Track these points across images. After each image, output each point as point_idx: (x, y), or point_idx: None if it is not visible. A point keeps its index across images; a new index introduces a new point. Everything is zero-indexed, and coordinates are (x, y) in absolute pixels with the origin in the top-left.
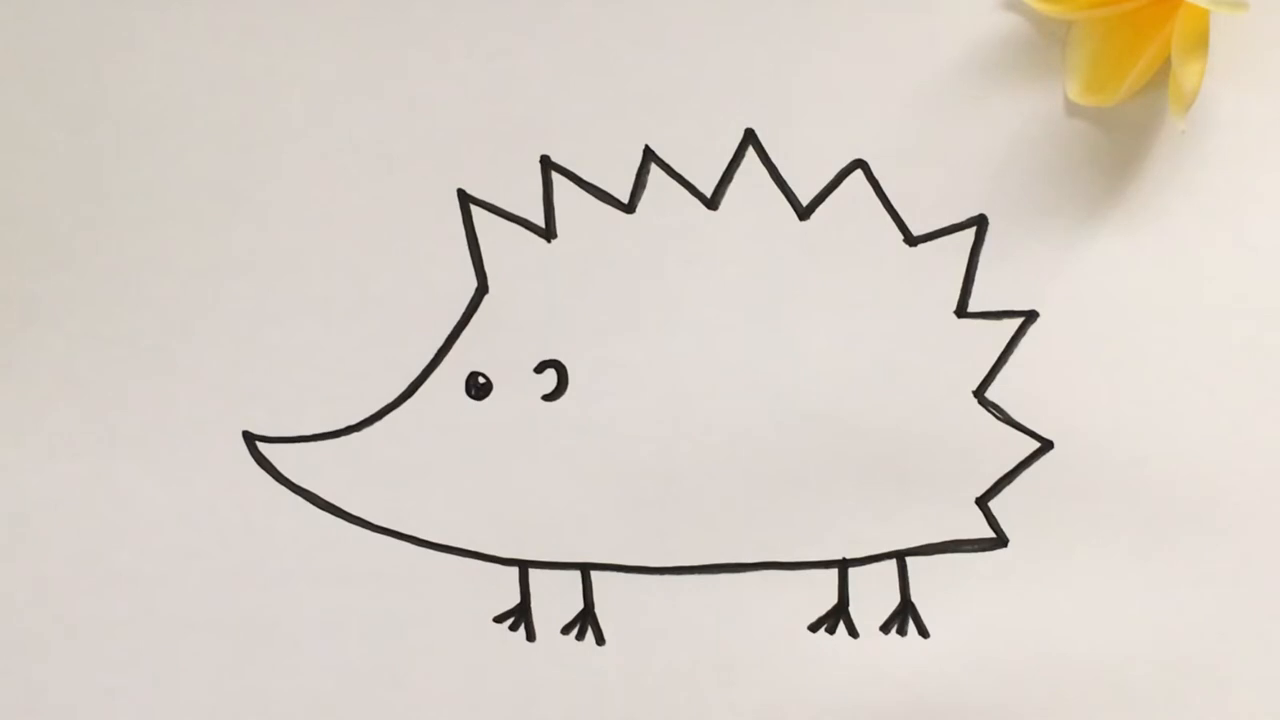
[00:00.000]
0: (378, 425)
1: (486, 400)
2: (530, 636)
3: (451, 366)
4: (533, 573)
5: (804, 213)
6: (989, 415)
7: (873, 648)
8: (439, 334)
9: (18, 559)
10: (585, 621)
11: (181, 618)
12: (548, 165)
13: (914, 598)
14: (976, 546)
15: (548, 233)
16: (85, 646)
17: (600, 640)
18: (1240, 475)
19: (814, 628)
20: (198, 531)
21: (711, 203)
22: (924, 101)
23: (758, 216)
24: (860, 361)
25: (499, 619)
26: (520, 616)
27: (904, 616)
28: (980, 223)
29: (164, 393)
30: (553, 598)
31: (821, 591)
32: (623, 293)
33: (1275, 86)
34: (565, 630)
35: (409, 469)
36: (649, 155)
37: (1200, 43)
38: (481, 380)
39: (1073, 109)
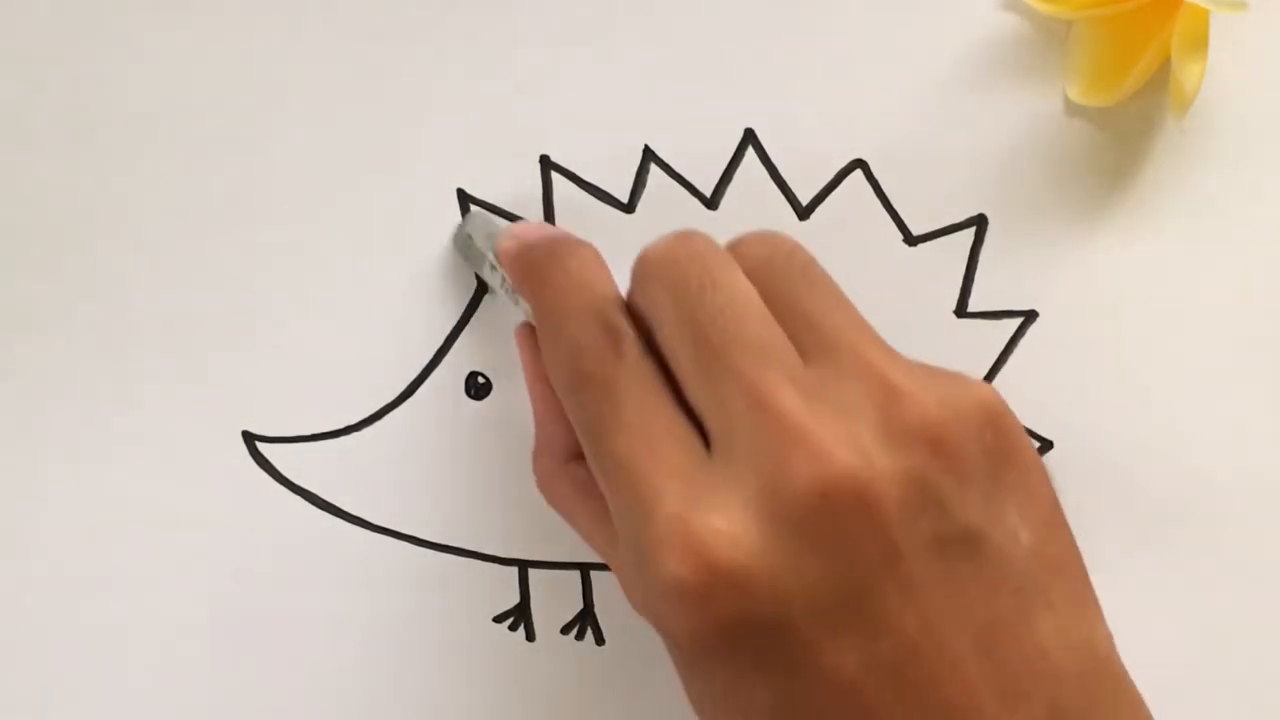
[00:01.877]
0: (378, 425)
1: (486, 400)
2: (530, 636)
3: (451, 366)
4: (532, 573)
5: (804, 213)
6: None
7: None
8: (439, 334)
9: (18, 559)
10: (585, 621)
11: (181, 618)
12: (547, 165)
13: None
14: None
15: None
16: (85, 646)
17: (600, 640)
18: (1240, 475)
19: None
20: (198, 531)
21: (711, 203)
22: (924, 101)
23: (758, 216)
24: None
25: (499, 619)
26: (520, 616)
27: None
28: (980, 223)
29: (164, 393)
30: (553, 598)
31: None
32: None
33: (1275, 86)
34: (565, 630)
35: (409, 469)
36: (649, 155)
37: (1200, 43)
38: (481, 380)
39: (1073, 109)
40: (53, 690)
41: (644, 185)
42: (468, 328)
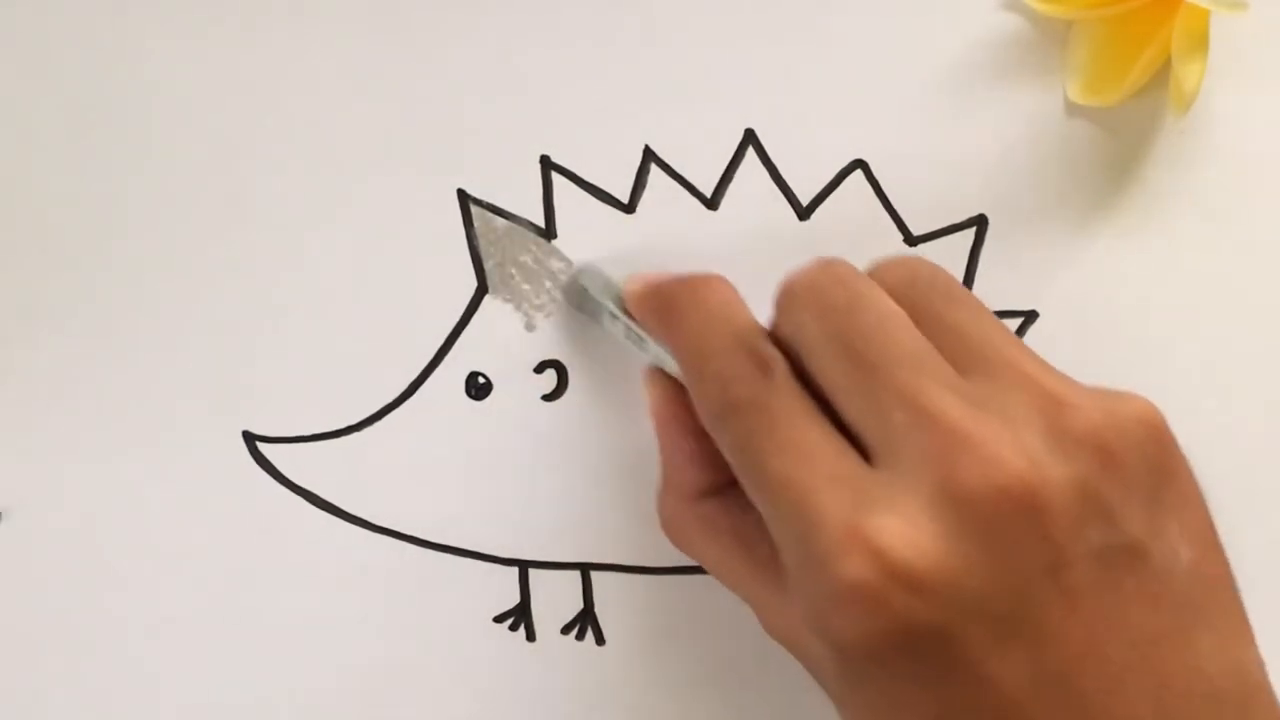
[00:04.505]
0: (378, 425)
1: (486, 400)
2: (530, 636)
3: (451, 366)
4: (533, 573)
5: (804, 213)
6: None
7: None
8: (439, 334)
9: (18, 559)
10: (585, 621)
11: (182, 618)
12: (548, 165)
13: None
14: None
15: (547, 233)
16: (85, 646)
17: (600, 640)
18: (1240, 475)
19: None
20: (198, 531)
21: (711, 203)
22: (924, 101)
23: (758, 216)
24: None
25: (499, 619)
26: (520, 616)
27: None
28: (980, 223)
29: (164, 393)
30: (553, 598)
31: None
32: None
33: (1275, 86)
34: (565, 630)
35: (409, 469)
36: (649, 155)
37: (1200, 43)
38: (481, 380)
39: (1073, 109)
40: (52, 689)
41: (644, 185)
42: (468, 328)
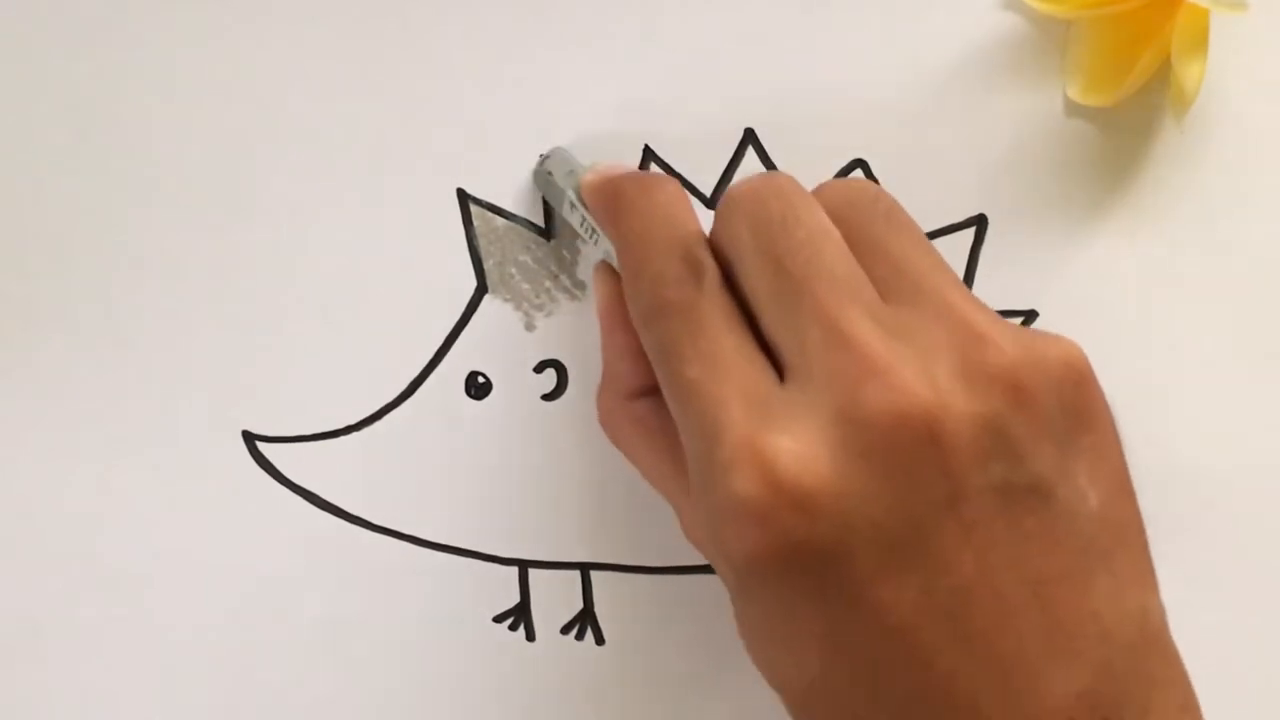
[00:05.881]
0: (378, 425)
1: (486, 400)
2: (530, 636)
3: (451, 366)
4: (532, 573)
5: None
6: None
7: None
8: (439, 334)
9: (18, 559)
10: (585, 621)
11: (181, 618)
12: None
13: None
14: None
15: (547, 233)
16: (85, 646)
17: (600, 640)
18: (1239, 476)
19: None
20: (198, 531)
21: (711, 203)
22: (924, 101)
23: None
24: None
25: (499, 619)
26: (520, 616)
27: None
28: (980, 223)
29: (164, 393)
30: (553, 598)
31: None
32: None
33: (1275, 86)
34: (565, 630)
35: (409, 469)
36: (649, 155)
37: (1200, 43)
38: (481, 380)
39: (1073, 109)
40: (52, 689)
41: None
42: (468, 328)
